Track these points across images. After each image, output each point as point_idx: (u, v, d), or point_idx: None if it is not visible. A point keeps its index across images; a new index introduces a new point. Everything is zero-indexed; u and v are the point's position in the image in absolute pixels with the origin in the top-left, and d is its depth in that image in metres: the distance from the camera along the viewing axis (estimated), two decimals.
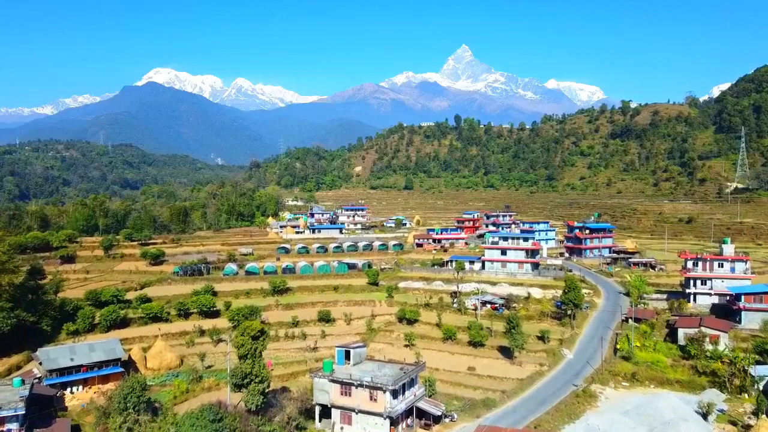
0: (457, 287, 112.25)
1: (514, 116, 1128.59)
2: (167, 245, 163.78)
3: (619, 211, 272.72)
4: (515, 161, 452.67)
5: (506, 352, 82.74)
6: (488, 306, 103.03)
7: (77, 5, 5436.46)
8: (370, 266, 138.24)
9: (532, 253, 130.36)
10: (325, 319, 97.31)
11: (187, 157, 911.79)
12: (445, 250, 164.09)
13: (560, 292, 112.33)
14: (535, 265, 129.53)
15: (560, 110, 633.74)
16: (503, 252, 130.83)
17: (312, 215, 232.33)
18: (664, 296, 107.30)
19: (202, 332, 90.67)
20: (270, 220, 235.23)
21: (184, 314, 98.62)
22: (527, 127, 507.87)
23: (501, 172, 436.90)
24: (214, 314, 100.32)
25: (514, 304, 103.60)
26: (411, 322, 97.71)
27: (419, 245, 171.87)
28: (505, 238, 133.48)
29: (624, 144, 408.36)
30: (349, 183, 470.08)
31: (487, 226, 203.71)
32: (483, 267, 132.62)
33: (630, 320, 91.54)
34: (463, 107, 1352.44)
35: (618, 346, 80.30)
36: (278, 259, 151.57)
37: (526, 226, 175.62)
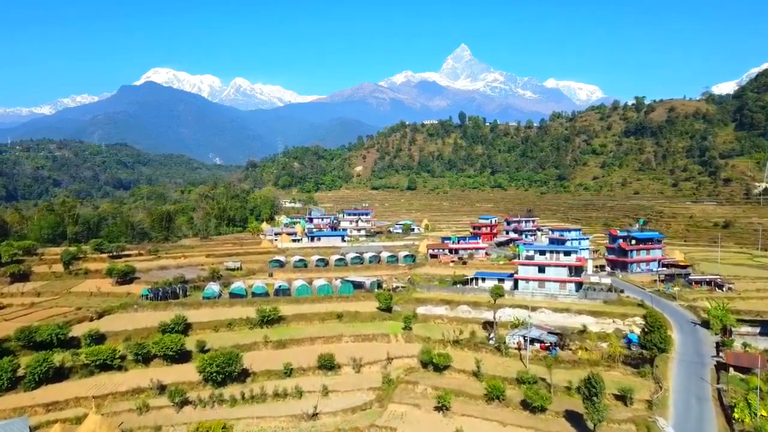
0: (494, 318, 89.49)
1: (513, 115, 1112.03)
2: (142, 258, 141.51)
3: (642, 214, 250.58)
4: (523, 160, 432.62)
5: (576, 421, 60.19)
6: (537, 344, 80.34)
7: (76, 5, 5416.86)
8: (380, 285, 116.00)
9: (576, 270, 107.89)
10: (328, 365, 73.99)
11: (183, 156, 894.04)
12: (464, 263, 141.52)
13: (619, 321, 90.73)
14: (579, 285, 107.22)
15: (559, 109, 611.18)
16: (541, 269, 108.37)
17: (311, 220, 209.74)
18: (756, 329, 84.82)
19: (162, 389, 67.15)
20: (264, 225, 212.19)
21: (143, 359, 75.34)
22: (535, 124, 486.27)
23: (508, 172, 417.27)
24: (184, 357, 77.24)
25: (569, 342, 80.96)
26: (439, 368, 74.89)
27: (434, 256, 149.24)
28: (543, 252, 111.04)
29: (639, 142, 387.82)
30: (350, 183, 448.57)
31: (507, 233, 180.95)
32: (516, 286, 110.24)
33: (731, 369, 69.38)
34: (463, 106, 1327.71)
35: (735, 415, 57.73)
36: (271, 275, 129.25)
37: (557, 234, 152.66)
